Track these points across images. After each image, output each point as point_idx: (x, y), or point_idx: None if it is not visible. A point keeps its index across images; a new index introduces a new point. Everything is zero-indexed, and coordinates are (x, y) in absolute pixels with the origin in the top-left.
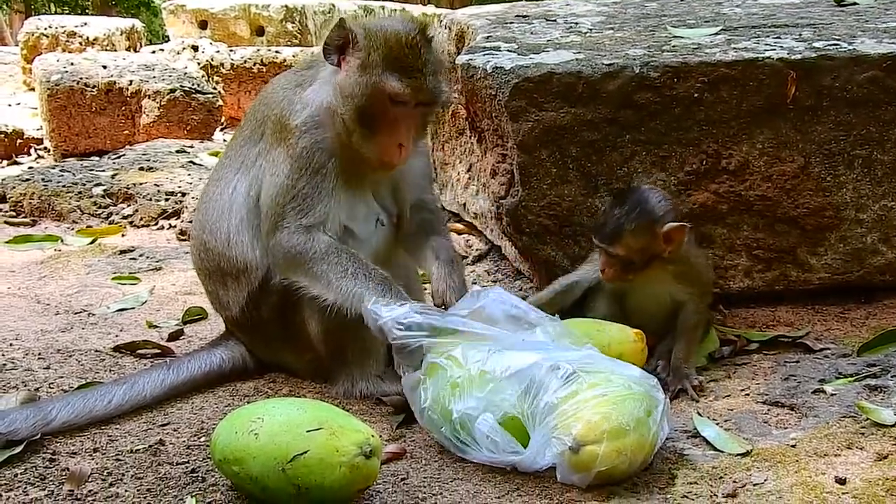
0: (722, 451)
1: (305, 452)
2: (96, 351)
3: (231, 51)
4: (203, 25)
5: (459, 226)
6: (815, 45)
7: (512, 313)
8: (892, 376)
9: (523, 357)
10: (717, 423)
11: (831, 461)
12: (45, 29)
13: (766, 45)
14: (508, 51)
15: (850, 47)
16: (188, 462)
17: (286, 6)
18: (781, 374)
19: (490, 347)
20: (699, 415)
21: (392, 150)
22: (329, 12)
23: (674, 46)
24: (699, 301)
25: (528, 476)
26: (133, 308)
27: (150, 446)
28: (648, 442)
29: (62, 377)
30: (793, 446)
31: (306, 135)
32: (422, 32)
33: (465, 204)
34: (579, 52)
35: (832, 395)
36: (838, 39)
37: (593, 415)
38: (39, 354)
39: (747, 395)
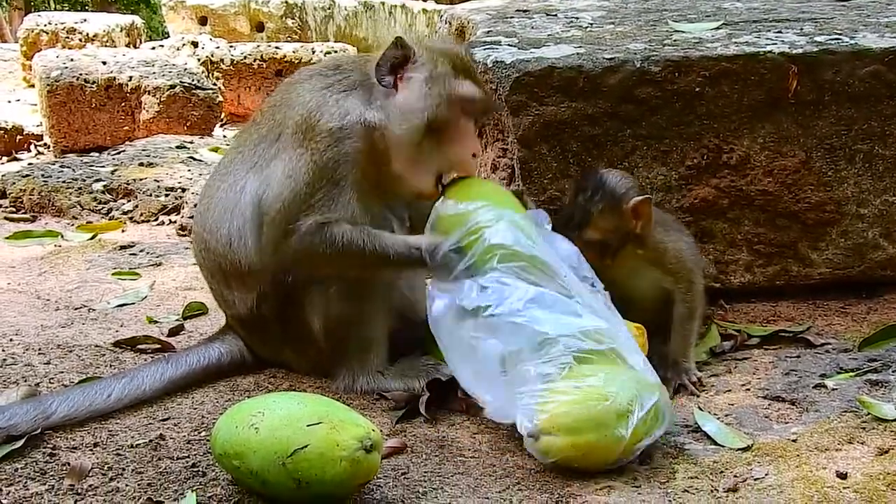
0: (723, 446)
1: (306, 447)
2: (96, 346)
3: (231, 47)
4: (203, 21)
5: None
6: (817, 39)
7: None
8: (893, 371)
9: (556, 315)
10: (718, 418)
11: (832, 456)
12: (45, 25)
13: (768, 39)
14: (509, 45)
15: (852, 41)
16: (189, 457)
17: (286, 2)
18: (782, 369)
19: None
20: (700, 409)
21: (468, 161)
22: (329, 8)
23: (675, 41)
24: (686, 291)
25: (529, 471)
26: (133, 303)
27: (150, 441)
28: (614, 445)
29: (62, 372)
30: (794, 441)
31: (338, 144)
32: (468, 51)
33: None
34: (580, 47)
35: (833, 389)
36: (840, 34)
37: (557, 407)
38: (40, 350)
39: (748, 389)
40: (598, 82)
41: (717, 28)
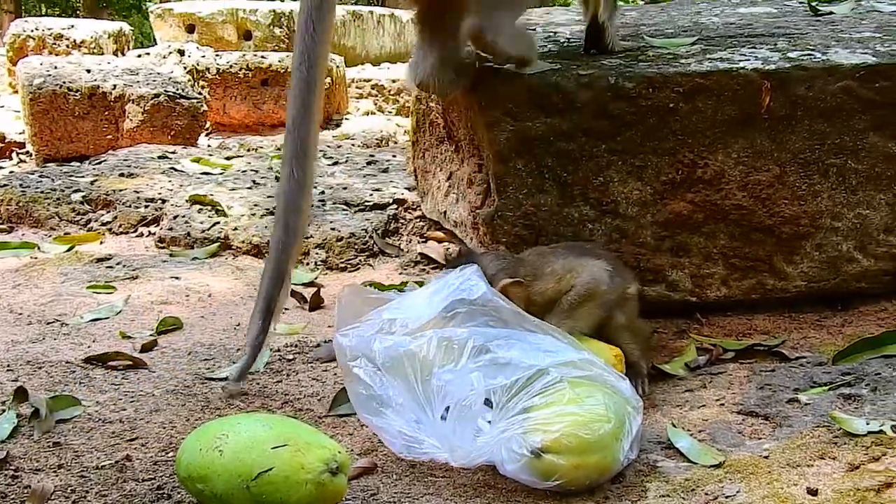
0: (695, 463)
1: (270, 470)
2: (67, 362)
3: (217, 55)
4: (190, 29)
5: (440, 234)
6: (790, 55)
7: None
8: (865, 385)
9: (526, 354)
10: (692, 434)
11: (803, 472)
12: (32, 31)
13: (741, 55)
14: (485, 60)
15: (824, 57)
16: (154, 479)
17: (274, 11)
18: (757, 384)
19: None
20: (673, 426)
21: None
22: None
23: (650, 56)
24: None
25: (499, 491)
26: (107, 318)
27: (116, 462)
28: (609, 465)
29: (31, 390)
30: (766, 457)
31: None
32: None
33: (445, 212)
34: (555, 63)
35: (806, 404)
36: (812, 49)
37: (563, 428)
38: (8, 366)
39: (722, 405)
40: (573, 98)
41: (693, 44)
